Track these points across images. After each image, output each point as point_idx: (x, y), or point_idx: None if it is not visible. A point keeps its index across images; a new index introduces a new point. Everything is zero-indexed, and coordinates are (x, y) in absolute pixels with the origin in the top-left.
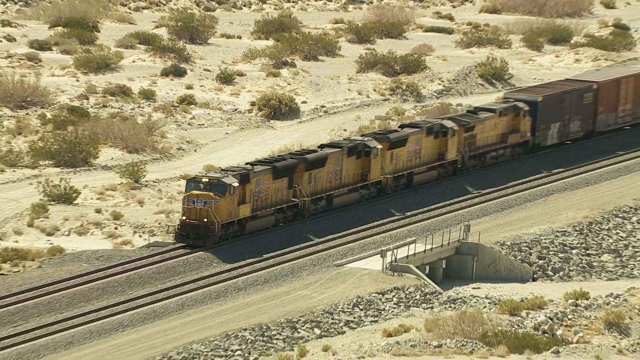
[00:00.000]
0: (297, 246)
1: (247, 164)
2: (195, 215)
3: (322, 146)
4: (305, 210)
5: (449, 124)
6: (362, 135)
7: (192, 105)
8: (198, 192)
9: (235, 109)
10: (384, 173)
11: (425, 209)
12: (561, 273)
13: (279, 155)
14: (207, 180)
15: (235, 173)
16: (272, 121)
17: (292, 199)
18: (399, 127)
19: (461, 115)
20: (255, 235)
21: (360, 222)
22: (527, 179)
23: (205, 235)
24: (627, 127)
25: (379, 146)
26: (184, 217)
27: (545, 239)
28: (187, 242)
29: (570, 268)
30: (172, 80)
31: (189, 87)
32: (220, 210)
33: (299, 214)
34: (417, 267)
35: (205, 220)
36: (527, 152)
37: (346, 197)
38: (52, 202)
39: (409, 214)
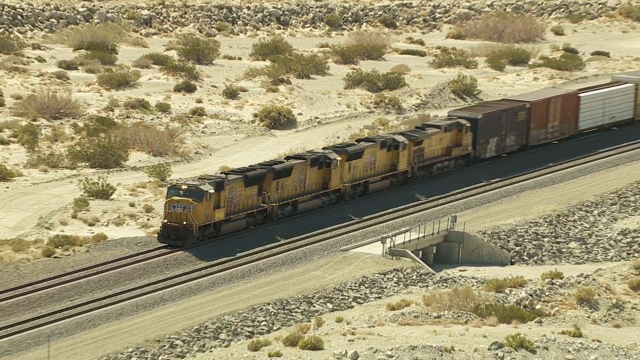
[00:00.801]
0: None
1: (221, 173)
2: (176, 219)
3: (288, 157)
4: (273, 214)
5: (400, 138)
6: (323, 149)
7: (204, 116)
8: (178, 198)
9: (240, 120)
10: (342, 182)
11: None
12: (535, 258)
13: (250, 166)
14: (186, 187)
15: (211, 181)
16: (273, 130)
17: (262, 204)
18: (356, 141)
19: (411, 130)
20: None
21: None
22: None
23: (184, 236)
24: (555, 142)
25: (339, 158)
26: (165, 220)
27: (520, 229)
28: (168, 242)
29: (543, 253)
30: (184, 95)
31: (199, 101)
32: (198, 214)
33: (268, 218)
34: (412, 252)
35: (184, 223)
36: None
37: (309, 203)
38: (92, 198)
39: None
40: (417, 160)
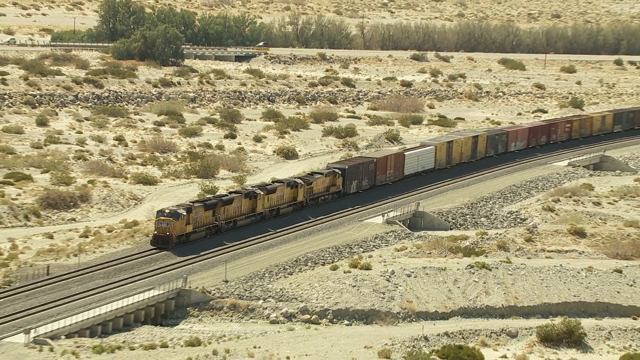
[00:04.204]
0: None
1: (190, 201)
2: (162, 231)
3: (230, 192)
4: (222, 228)
5: (299, 181)
6: (251, 186)
7: (245, 151)
8: (163, 218)
9: (267, 154)
10: (264, 208)
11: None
12: (464, 226)
13: (207, 198)
14: (168, 211)
15: (184, 207)
16: (286, 160)
17: (215, 222)
18: (271, 182)
19: (305, 176)
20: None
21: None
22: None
23: (167, 242)
24: (390, 183)
25: (261, 192)
26: (155, 232)
27: (453, 210)
28: (157, 246)
29: (467, 224)
30: (230, 140)
31: (239, 143)
32: (176, 228)
33: (219, 230)
34: (398, 221)
35: (167, 233)
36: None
37: (244, 221)
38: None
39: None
40: (309, 194)
